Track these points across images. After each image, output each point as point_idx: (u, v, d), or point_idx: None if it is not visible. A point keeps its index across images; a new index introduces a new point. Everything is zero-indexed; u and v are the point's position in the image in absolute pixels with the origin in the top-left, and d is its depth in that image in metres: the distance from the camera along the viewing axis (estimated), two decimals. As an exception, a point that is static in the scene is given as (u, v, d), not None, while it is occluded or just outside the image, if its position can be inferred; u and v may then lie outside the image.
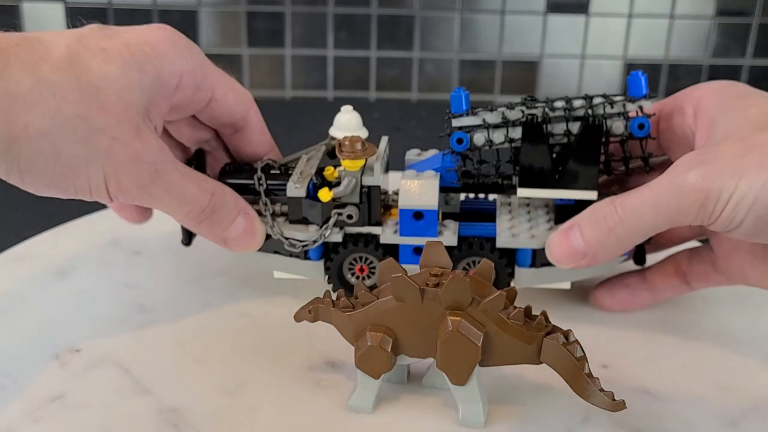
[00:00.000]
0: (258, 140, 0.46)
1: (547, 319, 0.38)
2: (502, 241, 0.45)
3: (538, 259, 0.46)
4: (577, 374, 0.37)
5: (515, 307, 0.38)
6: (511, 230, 0.46)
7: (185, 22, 0.91)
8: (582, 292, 0.50)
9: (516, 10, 0.92)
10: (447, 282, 0.37)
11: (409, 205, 0.45)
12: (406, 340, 0.38)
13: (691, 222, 0.36)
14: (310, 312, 0.40)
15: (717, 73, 0.95)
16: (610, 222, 0.37)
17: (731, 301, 0.50)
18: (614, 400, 0.36)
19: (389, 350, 0.37)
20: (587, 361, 0.37)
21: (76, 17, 0.93)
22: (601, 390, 0.36)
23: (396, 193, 0.49)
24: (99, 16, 0.90)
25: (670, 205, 0.36)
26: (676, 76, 0.95)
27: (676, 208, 0.36)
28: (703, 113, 0.39)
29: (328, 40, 0.93)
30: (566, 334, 0.37)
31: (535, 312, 0.38)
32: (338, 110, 0.50)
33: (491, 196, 0.51)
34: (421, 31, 0.93)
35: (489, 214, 0.49)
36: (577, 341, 0.37)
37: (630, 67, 0.94)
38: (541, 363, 0.38)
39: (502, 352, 0.37)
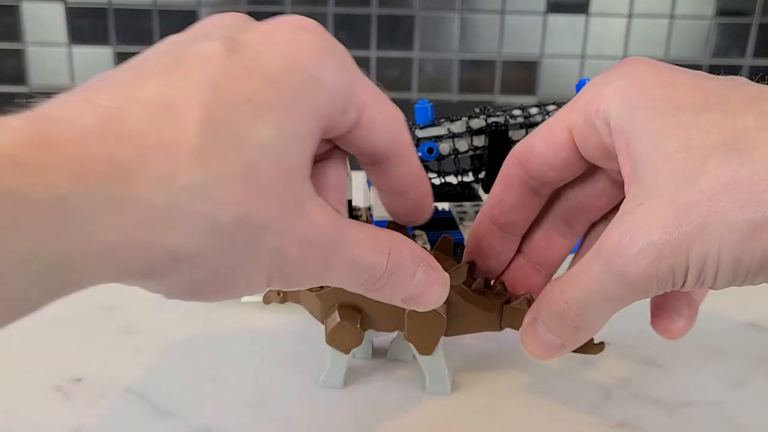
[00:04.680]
0: (404, 174, 0.34)
1: (505, 288, 0.39)
2: None
3: None
4: None
5: (475, 279, 0.39)
6: None
7: (185, 22, 0.91)
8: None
9: (516, 10, 0.92)
10: None
11: (385, 216, 0.46)
12: (373, 315, 0.39)
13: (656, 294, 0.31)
14: (279, 294, 0.41)
15: (717, 72, 0.95)
16: (569, 321, 0.33)
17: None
18: (594, 344, 0.37)
19: (358, 325, 0.39)
20: None
21: (75, 17, 0.93)
22: None
23: (357, 209, 0.50)
24: (99, 16, 0.90)
25: (623, 295, 0.31)
26: (676, 76, 0.95)
27: (630, 295, 0.31)
28: (618, 136, 0.32)
29: (328, 40, 0.93)
30: (528, 299, 0.38)
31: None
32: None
33: (441, 205, 0.53)
34: (421, 31, 0.93)
35: (446, 221, 0.50)
36: None
37: (630, 67, 0.95)
38: (502, 329, 0.39)
39: (465, 321, 0.39)
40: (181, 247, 0.25)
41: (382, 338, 0.42)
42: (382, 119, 0.32)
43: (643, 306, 0.49)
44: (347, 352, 0.39)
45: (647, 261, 0.29)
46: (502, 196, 0.37)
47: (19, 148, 0.21)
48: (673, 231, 0.28)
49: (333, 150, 0.33)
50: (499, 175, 0.36)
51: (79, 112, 0.23)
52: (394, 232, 0.33)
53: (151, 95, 0.25)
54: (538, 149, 0.35)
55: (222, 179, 0.25)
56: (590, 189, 0.36)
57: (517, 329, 0.38)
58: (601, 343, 0.37)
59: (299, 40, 0.29)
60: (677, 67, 0.33)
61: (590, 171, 0.36)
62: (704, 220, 0.28)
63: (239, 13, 0.31)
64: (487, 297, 0.39)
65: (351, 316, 0.39)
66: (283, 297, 0.41)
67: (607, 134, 0.32)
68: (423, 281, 0.33)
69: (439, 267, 0.33)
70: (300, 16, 0.30)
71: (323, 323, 0.40)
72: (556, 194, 0.37)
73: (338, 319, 0.38)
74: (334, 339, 0.39)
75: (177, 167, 0.24)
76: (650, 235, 0.29)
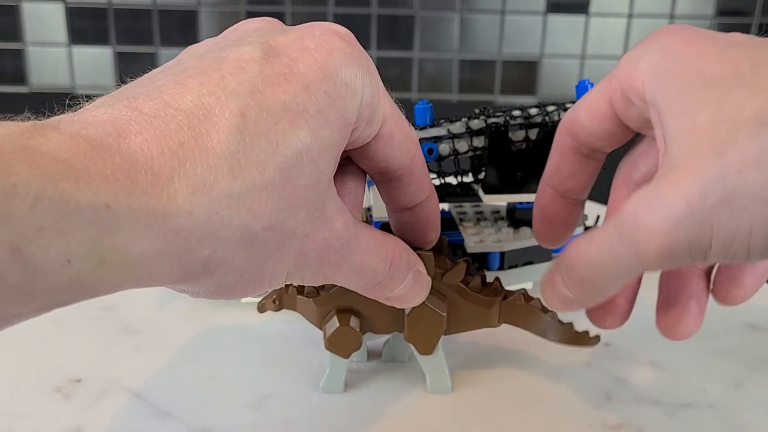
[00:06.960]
0: (414, 192, 0.35)
1: (501, 285, 0.39)
2: (471, 246, 0.47)
3: (506, 261, 0.49)
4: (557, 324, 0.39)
5: (472, 276, 0.39)
6: (478, 236, 0.49)
7: (185, 22, 0.91)
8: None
9: (516, 10, 0.92)
10: None
11: (384, 216, 0.46)
12: (371, 317, 0.39)
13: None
14: (275, 302, 0.41)
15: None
16: (576, 277, 0.32)
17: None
18: (586, 335, 0.39)
19: (358, 329, 0.39)
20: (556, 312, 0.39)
21: (75, 17, 0.93)
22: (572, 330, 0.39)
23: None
24: (99, 16, 0.90)
25: (632, 265, 0.30)
26: (676, 76, 0.95)
27: (640, 265, 0.30)
28: (652, 110, 0.32)
29: (328, 40, 0.93)
30: (524, 294, 0.39)
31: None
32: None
33: (441, 206, 0.53)
34: (421, 31, 0.93)
35: (445, 222, 0.51)
36: (536, 298, 0.39)
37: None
38: (499, 325, 0.39)
39: (464, 319, 0.39)
40: (215, 256, 0.26)
41: (373, 341, 0.42)
42: (399, 135, 0.32)
43: (643, 307, 0.49)
44: (347, 356, 0.39)
45: (662, 231, 0.27)
46: (559, 165, 0.37)
47: (72, 153, 0.22)
48: (696, 203, 0.27)
49: (349, 158, 0.34)
50: (553, 144, 0.37)
51: (123, 120, 0.24)
52: (397, 238, 0.35)
53: (190, 104, 0.25)
54: (583, 121, 0.35)
55: (257, 189, 0.26)
56: (652, 159, 0.35)
57: (515, 324, 0.40)
58: (597, 337, 0.38)
59: (332, 47, 0.29)
60: (710, 33, 0.32)
61: (647, 139, 0.36)
62: (732, 193, 0.26)
63: (270, 18, 0.32)
64: (485, 294, 0.39)
65: (350, 321, 0.39)
66: (279, 305, 0.41)
67: (644, 109, 0.32)
68: (410, 284, 0.35)
69: (425, 271, 0.36)
70: (331, 23, 0.30)
71: (320, 329, 0.40)
72: (624, 162, 0.37)
73: (337, 324, 0.38)
74: (333, 344, 0.39)
75: (215, 176, 0.25)
76: (671, 205, 0.27)
